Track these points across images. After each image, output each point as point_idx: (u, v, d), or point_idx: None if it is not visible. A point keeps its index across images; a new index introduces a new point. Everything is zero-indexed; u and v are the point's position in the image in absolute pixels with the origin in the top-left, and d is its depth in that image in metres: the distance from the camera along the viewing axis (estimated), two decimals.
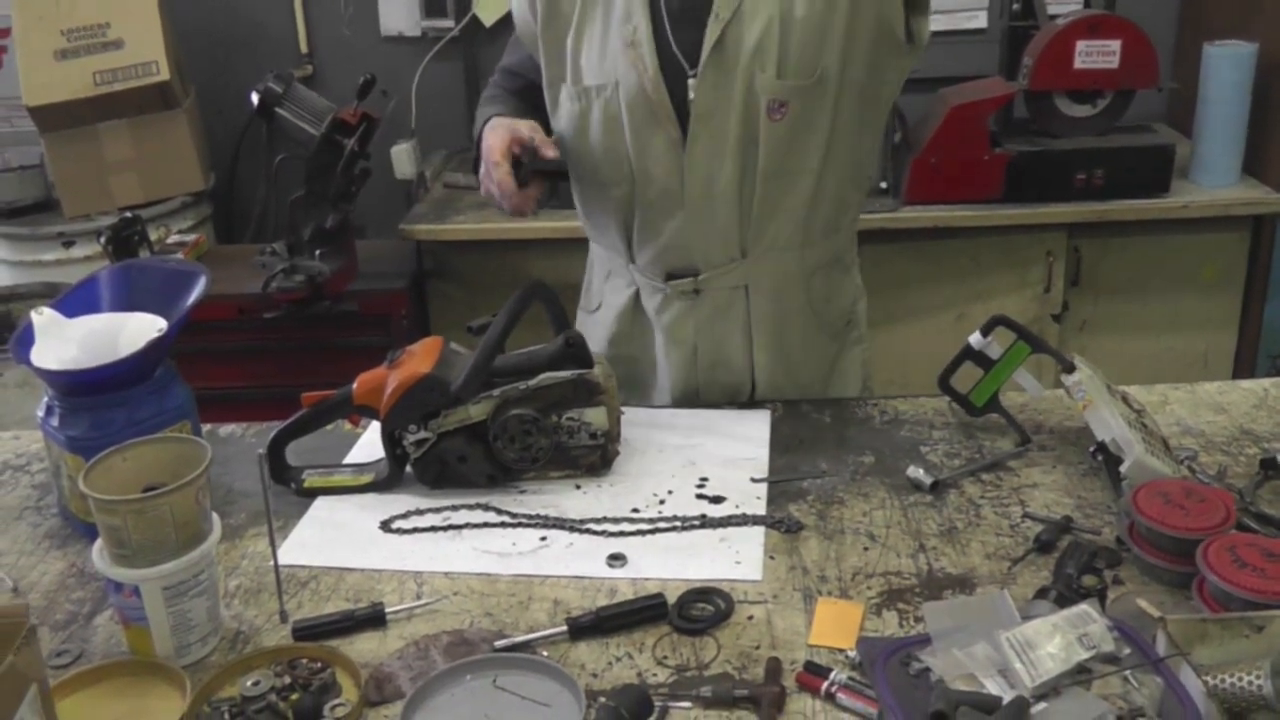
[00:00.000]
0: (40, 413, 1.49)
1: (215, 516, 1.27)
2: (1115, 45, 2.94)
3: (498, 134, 1.71)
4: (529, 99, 1.87)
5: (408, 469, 1.57)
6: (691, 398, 1.83)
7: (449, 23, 3.67)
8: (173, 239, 3.32)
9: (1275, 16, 3.05)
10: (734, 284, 1.77)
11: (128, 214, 3.04)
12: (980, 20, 3.64)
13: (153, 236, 3.16)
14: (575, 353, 1.55)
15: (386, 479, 1.57)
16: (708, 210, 1.70)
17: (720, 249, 1.73)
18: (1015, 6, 3.18)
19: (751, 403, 1.81)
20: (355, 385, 1.56)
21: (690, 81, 1.65)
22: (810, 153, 1.69)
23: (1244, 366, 3.25)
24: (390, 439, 1.55)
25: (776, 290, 1.78)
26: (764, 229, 1.72)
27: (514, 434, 1.54)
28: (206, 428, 1.73)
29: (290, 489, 1.58)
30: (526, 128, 1.71)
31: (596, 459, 1.58)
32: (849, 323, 1.91)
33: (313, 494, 1.57)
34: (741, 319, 1.79)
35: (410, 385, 1.52)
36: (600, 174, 1.77)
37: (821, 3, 1.61)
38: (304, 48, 3.83)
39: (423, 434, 1.53)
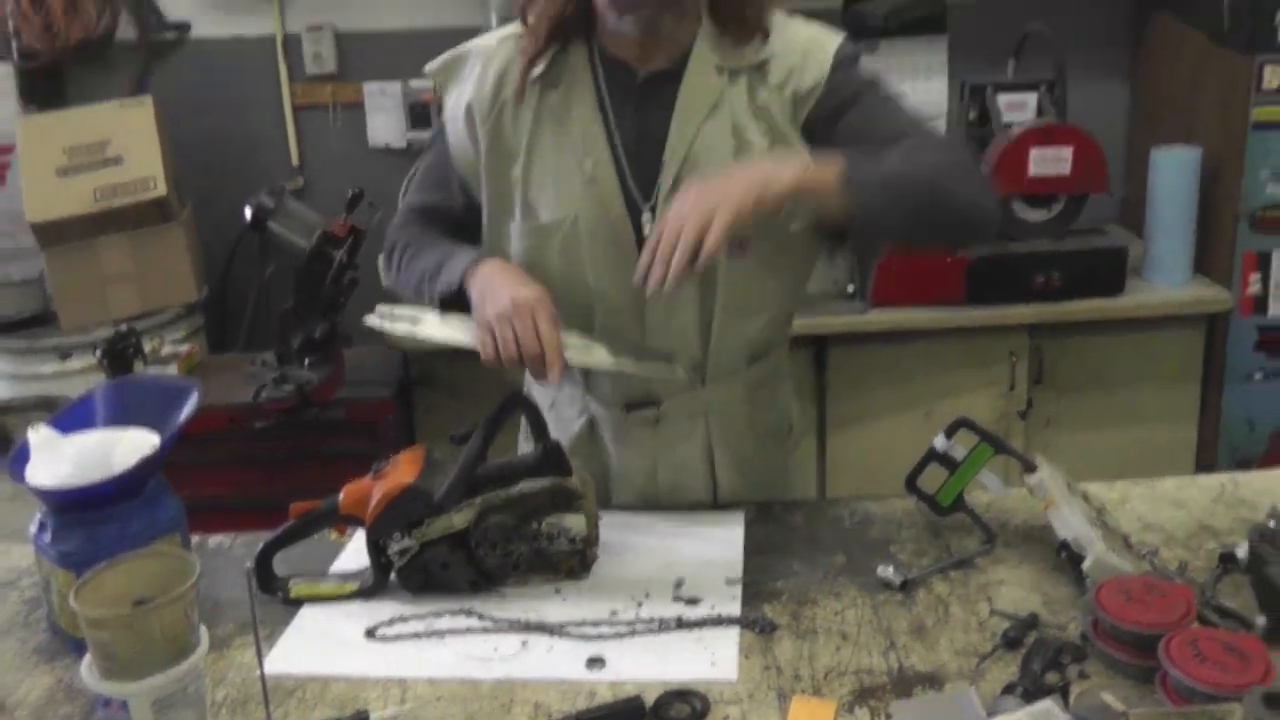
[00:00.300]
0: (33, 528, 1.48)
1: (203, 628, 1.27)
2: (1067, 152, 3.01)
3: (530, 287, 1.56)
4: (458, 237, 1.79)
5: (392, 577, 1.56)
6: (652, 507, 1.82)
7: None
8: (166, 350, 3.32)
9: (1216, 123, 3.13)
10: (693, 411, 1.77)
11: (123, 327, 3.05)
12: (940, 127, 3.72)
13: (147, 348, 3.17)
14: (553, 460, 1.57)
15: (371, 587, 1.57)
16: (667, 343, 1.69)
17: (679, 381, 1.73)
18: (972, 115, 3.25)
19: (724, 505, 1.82)
20: (342, 495, 1.56)
21: (645, 217, 1.65)
22: (769, 286, 1.71)
23: (1207, 457, 3.27)
24: (375, 548, 1.55)
25: (731, 410, 1.79)
26: (722, 358, 1.73)
27: (495, 540, 1.55)
28: (195, 538, 1.72)
29: (277, 598, 1.58)
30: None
31: (576, 563, 1.58)
32: (790, 428, 1.92)
33: (299, 603, 1.57)
34: (702, 441, 1.79)
35: (395, 495, 1.53)
36: (558, 304, 1.68)
37: (757, 147, 1.64)
38: (295, 160, 3.89)
39: (407, 542, 1.53)
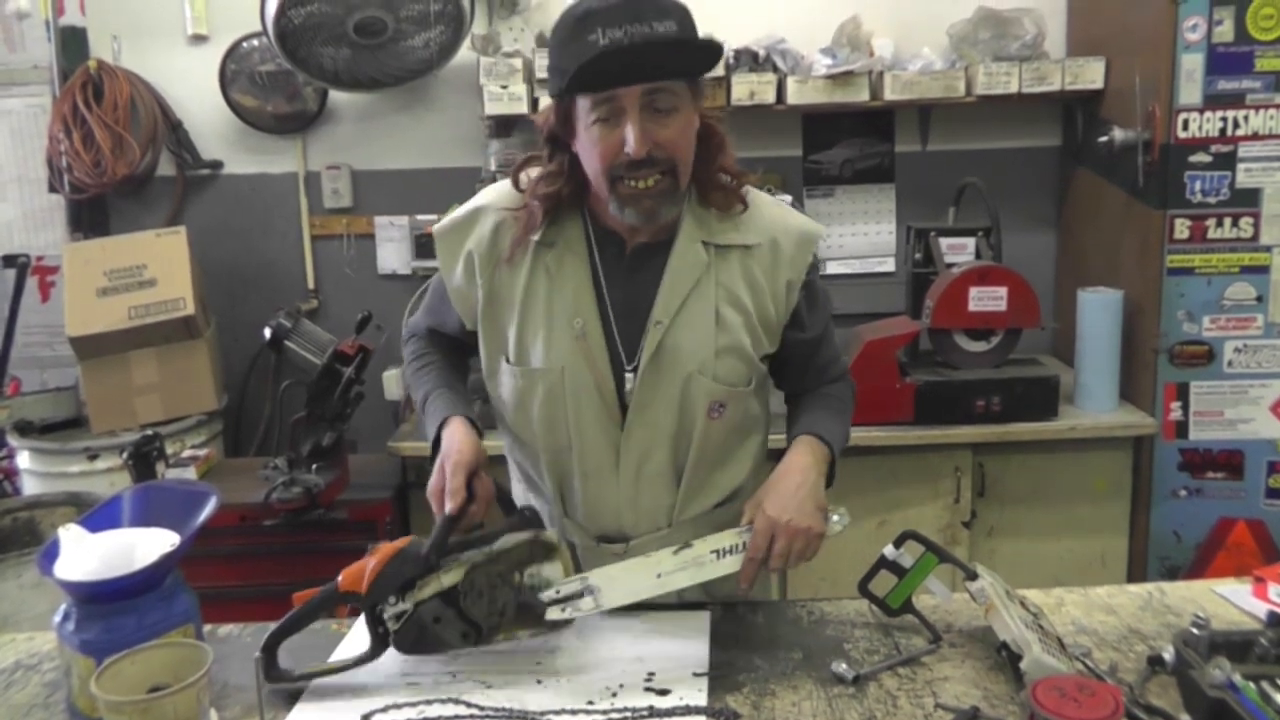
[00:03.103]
0: (57, 618, 1.48)
1: (213, 712, 1.26)
2: (1002, 291, 3.06)
3: (467, 452, 1.63)
4: (459, 363, 1.87)
5: (388, 651, 1.55)
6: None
7: (436, 263, 3.76)
8: (187, 453, 3.31)
9: (1134, 268, 3.20)
10: (660, 545, 1.73)
11: (148, 432, 3.05)
12: (889, 265, 3.81)
13: (169, 451, 3.17)
14: (529, 520, 1.61)
15: (369, 653, 1.56)
16: (637, 487, 1.71)
17: (649, 521, 1.74)
18: (917, 256, 3.30)
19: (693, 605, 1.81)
20: (340, 577, 1.57)
21: (628, 375, 1.67)
22: (735, 443, 1.75)
23: (1137, 567, 3.26)
24: (372, 615, 1.55)
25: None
26: (690, 505, 1.74)
27: (481, 589, 1.54)
28: (207, 627, 1.71)
29: (280, 685, 1.55)
30: (489, 485, 1.66)
31: (564, 618, 1.55)
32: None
33: (308, 679, 1.55)
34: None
35: (389, 557, 1.55)
36: (540, 441, 1.73)
37: (740, 318, 1.68)
38: (311, 284, 3.93)
39: (401, 605, 1.53)
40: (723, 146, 1.67)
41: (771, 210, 1.74)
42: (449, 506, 1.58)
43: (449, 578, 1.53)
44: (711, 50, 1.55)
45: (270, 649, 1.56)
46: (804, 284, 1.72)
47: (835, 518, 1.65)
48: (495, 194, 1.75)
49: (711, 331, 1.66)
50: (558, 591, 1.55)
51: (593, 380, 1.66)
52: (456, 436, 1.65)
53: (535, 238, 1.67)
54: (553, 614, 1.54)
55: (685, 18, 1.54)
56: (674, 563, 1.57)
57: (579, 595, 1.55)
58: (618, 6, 1.48)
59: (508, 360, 1.72)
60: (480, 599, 1.54)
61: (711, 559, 1.58)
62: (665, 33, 1.49)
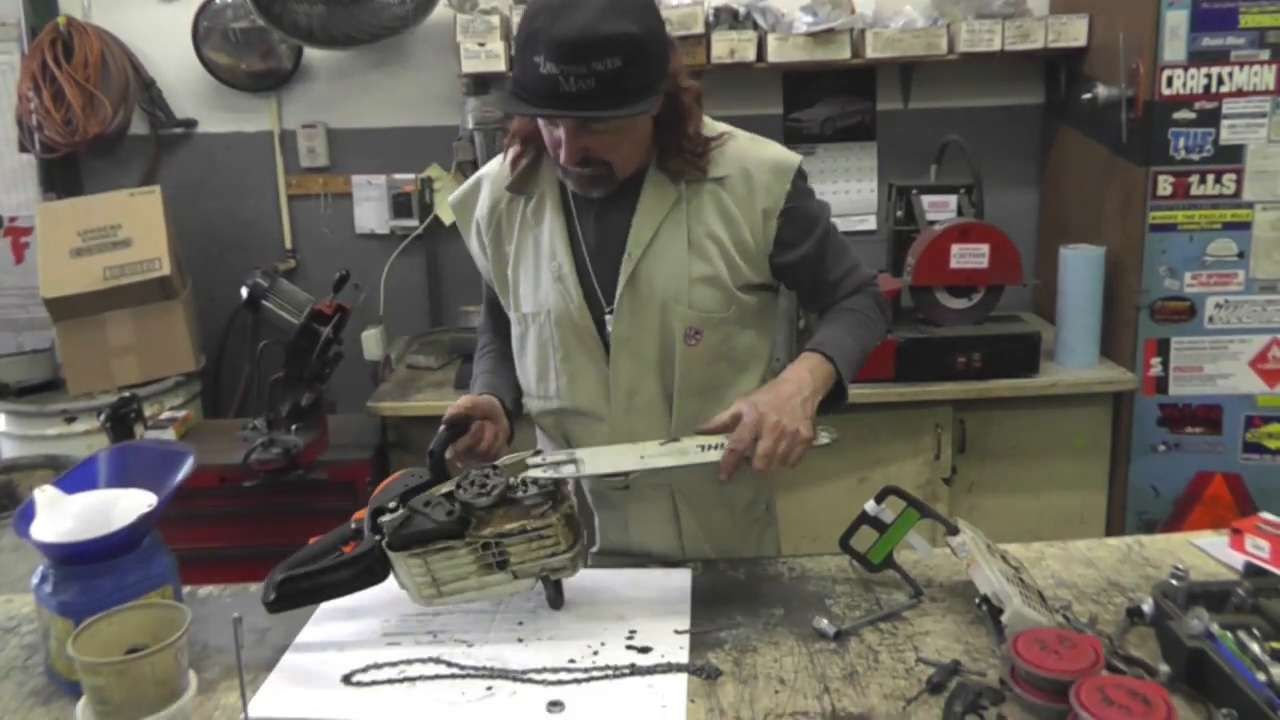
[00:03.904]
0: (35, 579, 1.46)
1: (191, 674, 1.25)
2: (984, 248, 3.05)
3: (478, 397, 1.74)
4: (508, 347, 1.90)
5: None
6: (623, 553, 1.84)
7: (414, 222, 3.77)
8: (165, 415, 3.29)
9: (1116, 224, 3.20)
10: (660, 483, 1.79)
11: (126, 394, 3.03)
12: (870, 223, 3.80)
13: (147, 412, 3.14)
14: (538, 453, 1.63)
15: (366, 552, 1.55)
16: (630, 423, 1.72)
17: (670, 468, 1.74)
18: (899, 213, 3.31)
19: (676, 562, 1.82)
20: (353, 517, 1.60)
21: (607, 316, 1.70)
22: (721, 370, 1.74)
23: (1115, 521, 3.29)
24: (374, 523, 1.55)
25: (699, 488, 1.81)
26: (707, 465, 1.72)
27: (475, 480, 1.56)
28: (187, 589, 1.70)
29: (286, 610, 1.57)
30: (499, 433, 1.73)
31: (547, 507, 1.54)
32: (766, 508, 1.94)
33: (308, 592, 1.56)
34: (669, 509, 1.82)
35: (394, 478, 1.60)
36: (535, 388, 1.80)
37: (716, 248, 1.69)
38: (288, 244, 3.90)
39: (400, 513, 1.54)
40: (686, 119, 1.67)
41: (745, 144, 1.74)
42: (446, 416, 1.66)
43: (447, 487, 1.56)
44: (649, 95, 1.55)
45: (286, 582, 1.56)
46: (783, 211, 1.71)
47: (824, 432, 1.64)
48: (496, 163, 1.82)
49: (684, 261, 1.68)
50: (544, 457, 1.58)
51: (572, 320, 1.71)
52: (478, 395, 1.75)
53: (521, 167, 1.73)
54: (534, 473, 1.56)
55: (635, 51, 1.50)
56: (659, 450, 1.58)
57: (563, 464, 1.57)
58: (564, 42, 1.47)
59: (512, 310, 1.80)
60: (472, 486, 1.55)
61: (696, 450, 1.58)
62: (606, 70, 1.48)
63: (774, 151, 1.75)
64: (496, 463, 1.61)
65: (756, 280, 1.74)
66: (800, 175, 1.73)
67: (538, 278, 1.74)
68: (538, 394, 1.81)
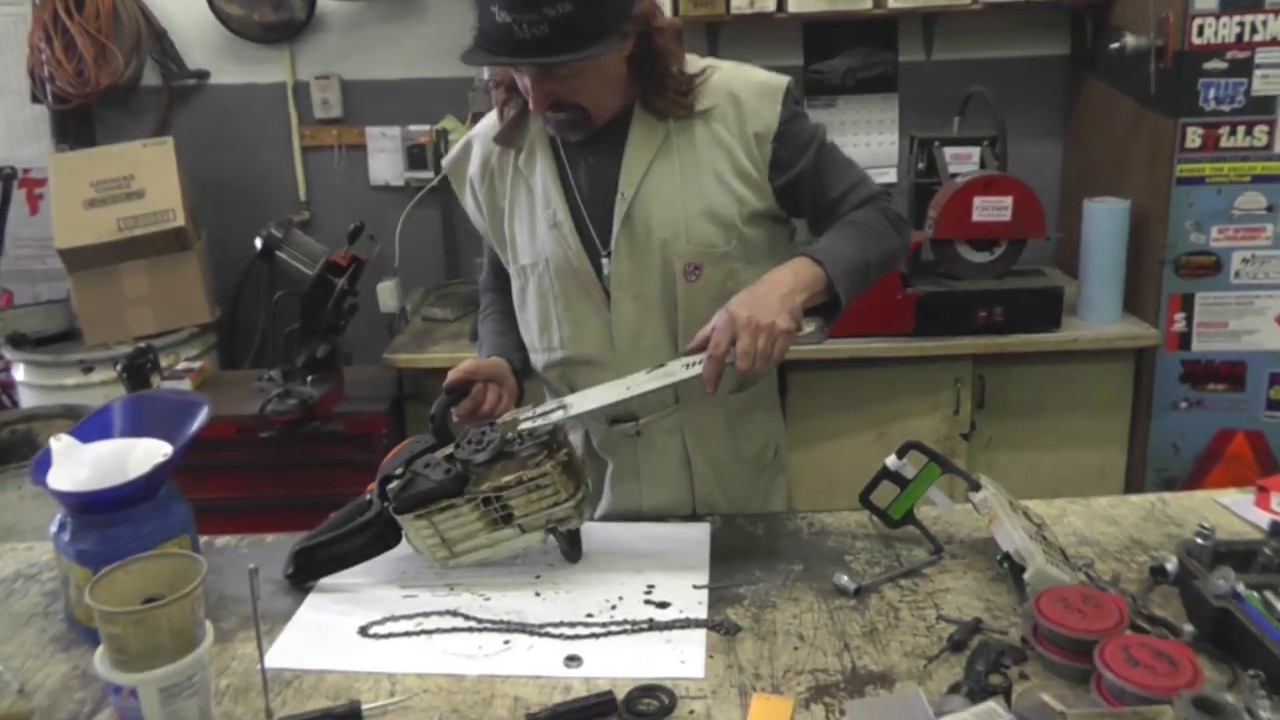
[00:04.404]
0: (53, 528, 1.46)
1: (208, 624, 1.25)
2: (1007, 201, 3.01)
3: (482, 360, 1.75)
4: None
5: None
6: (634, 516, 1.81)
7: (429, 174, 3.73)
8: (181, 365, 3.30)
9: (1143, 177, 3.15)
10: (670, 428, 1.78)
11: (141, 344, 3.03)
12: (891, 176, 3.74)
13: (163, 363, 3.15)
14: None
15: (373, 518, 1.56)
16: (637, 365, 1.67)
17: (655, 398, 1.71)
18: (920, 165, 3.27)
19: (693, 517, 1.80)
20: (366, 490, 1.61)
21: (604, 260, 1.69)
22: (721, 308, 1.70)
23: (1135, 479, 3.27)
24: (382, 491, 1.56)
25: (709, 432, 1.79)
26: (693, 380, 1.71)
27: (472, 438, 1.56)
28: (204, 539, 1.70)
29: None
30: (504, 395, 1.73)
31: (542, 456, 1.53)
32: (775, 453, 1.92)
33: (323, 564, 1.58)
34: (680, 456, 1.80)
35: (404, 443, 1.60)
36: (539, 341, 1.79)
37: (712, 180, 1.66)
38: (303, 195, 3.88)
39: (405, 475, 1.55)
40: (666, 59, 1.64)
41: (730, 71, 1.72)
42: (446, 382, 1.66)
43: (449, 449, 1.56)
44: (605, 37, 1.53)
45: (298, 556, 1.58)
46: (777, 133, 1.68)
47: (808, 322, 1.57)
48: (486, 123, 1.81)
49: (678, 196, 1.66)
50: (535, 409, 1.57)
51: (573, 265, 1.70)
52: (484, 360, 1.76)
53: (509, 116, 1.73)
54: (525, 425, 1.55)
55: None
56: (645, 377, 1.57)
57: (552, 410, 1.57)
58: None
59: (511, 263, 1.79)
60: (469, 445, 1.55)
61: (681, 369, 1.55)
62: (558, 15, 1.47)
63: (761, 75, 1.72)
64: (495, 420, 1.59)
65: (761, 207, 1.70)
66: (790, 95, 1.69)
67: (534, 228, 1.73)
68: (541, 346, 1.80)
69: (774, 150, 1.68)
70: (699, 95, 1.68)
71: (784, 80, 1.71)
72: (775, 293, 1.52)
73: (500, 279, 1.91)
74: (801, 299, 1.54)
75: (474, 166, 1.81)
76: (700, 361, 1.52)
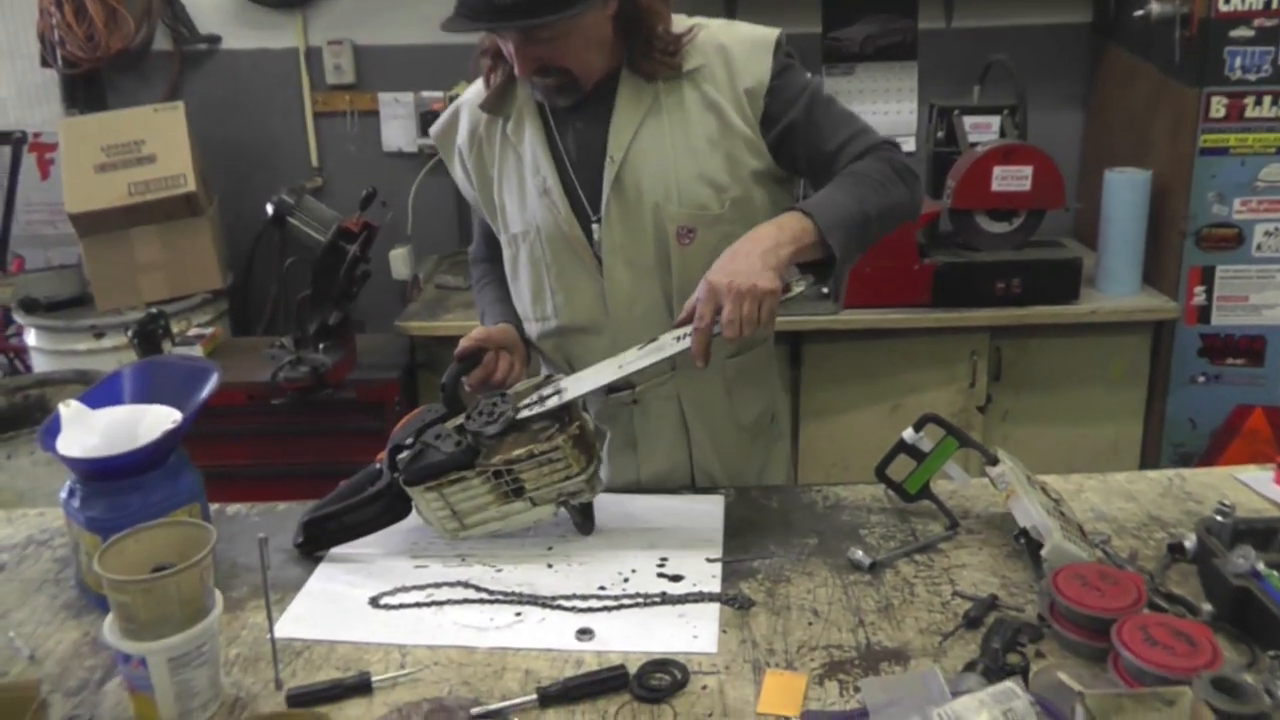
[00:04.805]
0: (63, 494, 1.46)
1: (217, 593, 1.24)
2: (1027, 171, 2.98)
3: (491, 328, 1.73)
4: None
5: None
6: (632, 489, 1.79)
7: None
8: (193, 332, 3.30)
9: (1165, 148, 3.11)
10: (667, 395, 1.76)
11: (153, 309, 3.03)
12: (910, 145, 3.69)
13: (175, 329, 3.15)
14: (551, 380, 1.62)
15: (385, 488, 1.55)
16: (632, 331, 1.67)
17: (651, 366, 1.67)
18: (939, 134, 3.23)
19: (691, 486, 1.79)
20: (376, 458, 1.60)
21: (594, 226, 1.66)
22: None
23: (1150, 453, 3.25)
24: (392, 461, 1.55)
25: (706, 399, 1.77)
26: (684, 353, 1.64)
27: (483, 409, 1.54)
28: (215, 507, 1.70)
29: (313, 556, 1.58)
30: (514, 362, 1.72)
31: (554, 429, 1.52)
32: (773, 421, 1.89)
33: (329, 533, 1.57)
34: (677, 423, 1.78)
35: (413, 414, 1.58)
36: (532, 310, 1.77)
37: (703, 141, 1.63)
38: (315, 162, 3.86)
39: (416, 446, 1.53)
40: (652, 19, 1.61)
41: (718, 29, 1.68)
42: (457, 350, 1.65)
43: (460, 419, 1.54)
44: None
45: (308, 526, 1.57)
46: (769, 89, 1.63)
47: (797, 282, 1.52)
48: (473, 91, 1.78)
49: (669, 158, 1.63)
50: (531, 397, 1.55)
51: (563, 231, 1.67)
52: (493, 326, 1.74)
53: (495, 83, 1.70)
54: (524, 413, 1.53)
55: None
56: (636, 354, 1.54)
57: (549, 396, 1.55)
58: None
59: (502, 233, 1.77)
60: (480, 416, 1.53)
61: (671, 341, 1.52)
62: None
63: (749, 29, 1.68)
64: (505, 390, 1.58)
65: (759, 166, 1.66)
66: (780, 48, 1.65)
67: (523, 195, 1.71)
68: (535, 315, 1.77)
69: (766, 105, 1.64)
70: (687, 55, 1.64)
71: (774, 32, 1.66)
72: (756, 250, 1.47)
73: (492, 249, 1.88)
74: (788, 252, 1.49)
75: (462, 135, 1.78)
76: (689, 333, 1.49)
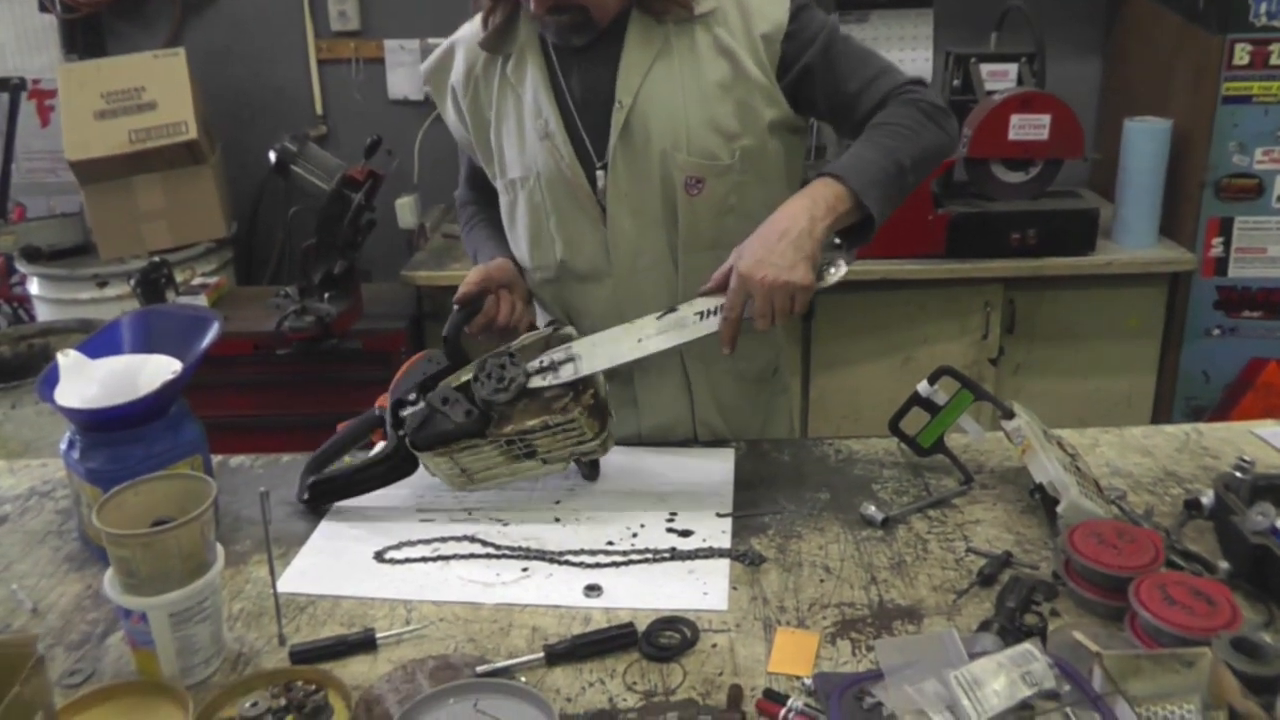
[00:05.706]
0: (63, 446, 1.44)
1: (219, 547, 1.22)
2: (1045, 119, 2.92)
3: (491, 266, 1.67)
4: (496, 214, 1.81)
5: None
6: (633, 442, 1.76)
7: None
8: (197, 281, 3.27)
9: (1186, 97, 3.05)
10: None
11: (156, 258, 3.00)
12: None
13: (179, 278, 3.12)
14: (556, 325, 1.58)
15: (392, 453, 1.53)
16: (635, 282, 1.64)
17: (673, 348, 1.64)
18: (956, 82, 3.17)
19: (693, 440, 1.76)
20: (377, 402, 1.57)
21: (599, 172, 1.61)
22: (726, 223, 1.62)
23: (1163, 407, 3.23)
24: (395, 417, 1.51)
25: (708, 352, 1.70)
26: (709, 338, 1.59)
27: (491, 371, 1.48)
28: (218, 458, 1.68)
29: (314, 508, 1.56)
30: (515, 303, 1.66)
31: (569, 399, 1.47)
32: (776, 373, 1.86)
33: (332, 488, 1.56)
34: (679, 376, 1.74)
35: (413, 362, 1.54)
36: (530, 259, 1.71)
37: (715, 88, 1.57)
38: (319, 109, 3.81)
39: (419, 406, 1.49)
40: None
41: None
42: (457, 295, 1.60)
43: (465, 374, 1.50)
44: None
45: (314, 470, 1.56)
46: (787, 34, 1.58)
47: (830, 269, 1.47)
48: (469, 28, 1.72)
49: (679, 105, 1.57)
50: (541, 362, 1.49)
51: (566, 177, 1.62)
52: (489, 262, 1.69)
53: (496, 52, 1.65)
54: (535, 382, 1.48)
55: None
56: (656, 327, 1.50)
57: (562, 364, 1.49)
58: None
59: (498, 178, 1.72)
60: (489, 380, 1.47)
61: (695, 320, 1.49)
62: None
63: None
64: (512, 347, 1.52)
65: (774, 116, 1.61)
66: None
67: (523, 139, 1.64)
68: (534, 264, 1.71)
69: (783, 50, 1.58)
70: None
71: None
72: (789, 236, 1.43)
73: (479, 192, 1.83)
74: (823, 229, 1.45)
75: (457, 74, 1.71)
76: (714, 311, 1.46)
